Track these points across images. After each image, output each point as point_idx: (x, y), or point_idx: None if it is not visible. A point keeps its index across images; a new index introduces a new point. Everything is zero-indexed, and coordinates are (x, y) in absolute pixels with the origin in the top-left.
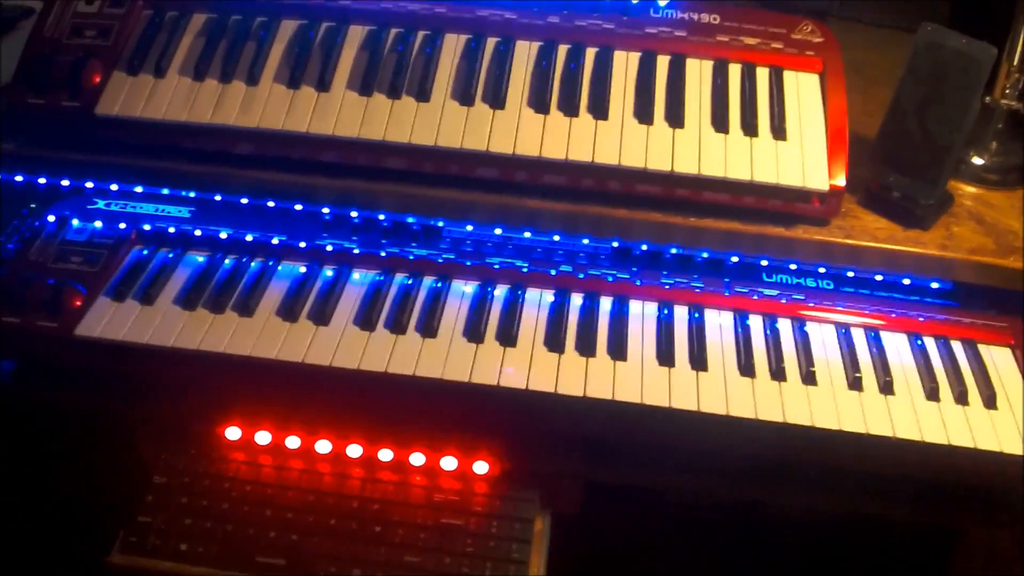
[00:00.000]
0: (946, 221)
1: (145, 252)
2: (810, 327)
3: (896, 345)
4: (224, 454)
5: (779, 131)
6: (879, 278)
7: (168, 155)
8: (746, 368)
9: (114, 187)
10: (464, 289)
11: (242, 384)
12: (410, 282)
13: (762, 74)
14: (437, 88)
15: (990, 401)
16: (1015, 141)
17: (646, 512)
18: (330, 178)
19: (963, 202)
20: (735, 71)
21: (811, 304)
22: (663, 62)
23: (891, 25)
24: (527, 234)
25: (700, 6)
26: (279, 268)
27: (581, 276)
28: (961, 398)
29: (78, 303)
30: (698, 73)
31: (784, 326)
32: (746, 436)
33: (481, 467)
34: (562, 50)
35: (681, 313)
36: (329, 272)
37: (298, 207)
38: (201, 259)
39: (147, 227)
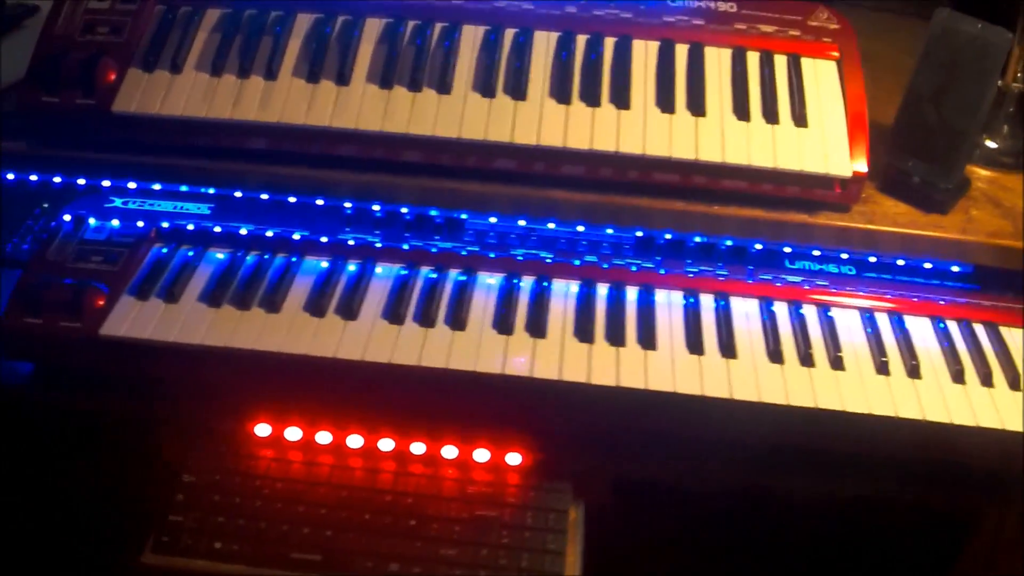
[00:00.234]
0: (964, 205)
1: (165, 250)
2: (835, 312)
3: (919, 329)
4: (254, 451)
5: (800, 118)
6: (900, 263)
7: (187, 152)
8: (775, 355)
9: (132, 185)
10: (489, 281)
11: (271, 380)
12: (436, 275)
13: (780, 62)
14: (458, 80)
15: (1015, 382)
16: None
17: (672, 503)
18: (351, 172)
19: (979, 185)
20: (753, 59)
21: (834, 290)
22: (682, 51)
23: (894, 11)
24: (551, 225)
25: None
26: (302, 263)
27: (606, 266)
28: (986, 380)
29: (101, 303)
30: (717, 61)
31: (809, 312)
32: (773, 422)
33: (514, 459)
34: (581, 40)
35: (707, 301)
36: (352, 266)
37: (319, 202)
38: (222, 256)
39: (166, 225)
